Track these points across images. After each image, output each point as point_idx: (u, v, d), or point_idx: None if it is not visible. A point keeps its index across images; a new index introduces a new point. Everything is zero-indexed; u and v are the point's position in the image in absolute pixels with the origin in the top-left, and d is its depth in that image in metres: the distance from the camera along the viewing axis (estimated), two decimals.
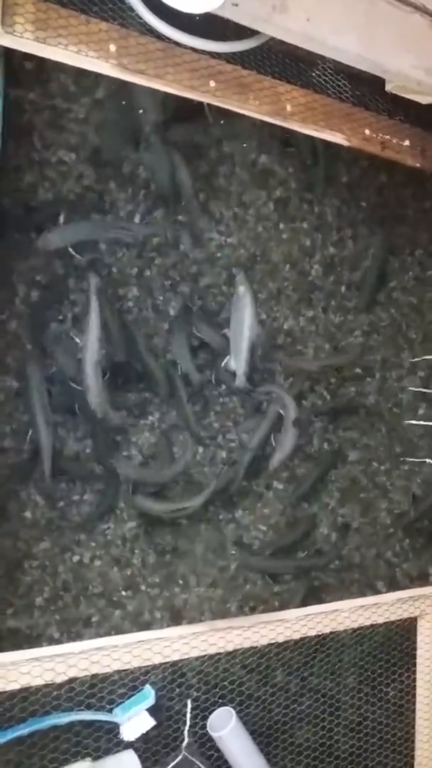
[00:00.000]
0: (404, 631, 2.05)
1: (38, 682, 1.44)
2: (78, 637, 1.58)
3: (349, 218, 2.13)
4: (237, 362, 1.82)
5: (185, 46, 1.60)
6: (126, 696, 1.55)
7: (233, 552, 1.87)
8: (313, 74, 1.92)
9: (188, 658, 1.64)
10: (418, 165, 2.15)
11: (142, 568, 1.72)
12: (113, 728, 1.52)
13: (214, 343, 1.84)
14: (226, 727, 1.63)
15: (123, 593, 1.67)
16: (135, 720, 1.52)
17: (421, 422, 2.23)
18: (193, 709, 1.64)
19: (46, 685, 1.45)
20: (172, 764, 1.56)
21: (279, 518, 1.95)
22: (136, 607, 1.68)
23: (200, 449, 1.85)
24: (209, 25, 1.56)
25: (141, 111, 1.72)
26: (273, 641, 1.78)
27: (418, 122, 2.14)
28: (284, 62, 1.83)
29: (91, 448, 1.71)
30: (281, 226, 2.01)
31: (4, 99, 1.48)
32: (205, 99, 1.66)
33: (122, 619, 1.65)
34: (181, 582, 1.76)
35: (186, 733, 1.62)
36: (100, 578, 1.66)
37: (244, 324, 1.80)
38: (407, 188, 2.24)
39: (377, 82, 1.83)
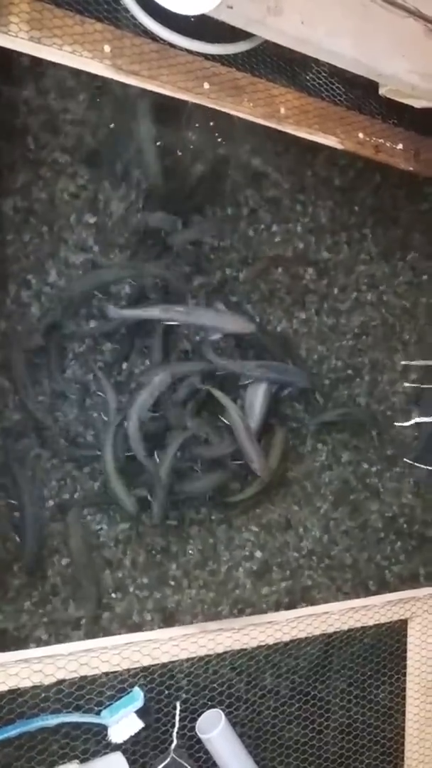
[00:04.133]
0: (394, 634, 2.06)
1: (26, 683, 1.43)
2: (67, 638, 1.57)
3: (342, 221, 2.14)
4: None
5: (180, 48, 1.61)
6: (114, 698, 1.54)
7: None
8: (308, 77, 1.92)
9: (178, 660, 1.64)
10: (411, 168, 2.17)
11: (133, 570, 1.71)
12: (101, 730, 1.52)
13: None
14: (215, 730, 1.62)
15: (113, 595, 1.66)
16: (123, 722, 1.52)
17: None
18: (182, 711, 1.64)
19: (35, 687, 1.45)
20: (161, 766, 1.56)
21: (271, 519, 1.95)
22: (126, 608, 1.67)
23: None
24: (204, 27, 1.56)
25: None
26: (263, 643, 1.78)
27: (411, 126, 2.15)
28: (279, 65, 1.84)
29: None
30: (274, 228, 2.01)
31: None
32: (199, 101, 1.67)
33: (111, 621, 1.64)
34: (172, 584, 1.75)
35: (175, 735, 1.61)
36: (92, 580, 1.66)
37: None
38: (400, 191, 2.25)
39: (371, 86, 1.84)
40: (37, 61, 1.49)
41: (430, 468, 2.21)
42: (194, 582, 1.78)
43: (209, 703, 1.70)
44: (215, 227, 1.86)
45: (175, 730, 1.62)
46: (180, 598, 1.74)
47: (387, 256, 2.24)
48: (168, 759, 1.57)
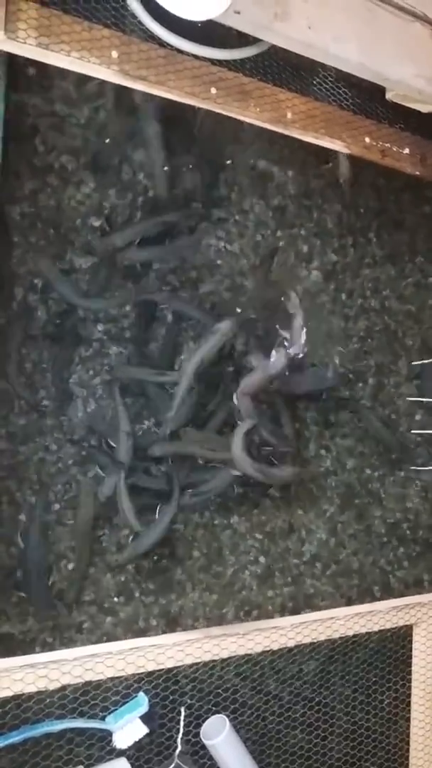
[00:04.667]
0: (399, 639, 2.05)
1: (31, 689, 1.43)
2: (71, 643, 1.57)
3: (348, 225, 2.13)
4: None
5: (187, 53, 1.61)
6: (119, 703, 1.54)
7: None
8: (314, 82, 1.92)
9: (182, 666, 1.64)
10: (417, 173, 2.16)
11: (136, 575, 1.71)
12: (106, 736, 1.52)
13: None
14: (219, 735, 1.62)
15: (116, 599, 1.66)
16: (128, 728, 1.51)
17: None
18: (186, 716, 1.64)
19: (39, 692, 1.44)
20: None
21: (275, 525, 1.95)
22: (130, 613, 1.67)
23: None
24: (211, 33, 1.56)
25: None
26: (267, 648, 1.77)
27: (418, 130, 2.15)
28: (285, 70, 1.83)
29: None
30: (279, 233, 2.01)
31: (6, 104, 1.47)
32: (206, 106, 1.67)
33: (115, 626, 1.64)
34: (176, 588, 1.75)
35: (179, 741, 1.61)
36: (94, 585, 1.65)
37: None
38: (407, 195, 2.25)
39: (378, 91, 1.84)
40: (44, 67, 1.50)
41: None
42: (198, 586, 1.78)
43: (214, 708, 1.70)
44: (174, 252, 1.78)
45: (180, 735, 1.61)
46: (183, 602, 1.74)
47: (393, 259, 2.24)
48: (173, 765, 1.57)
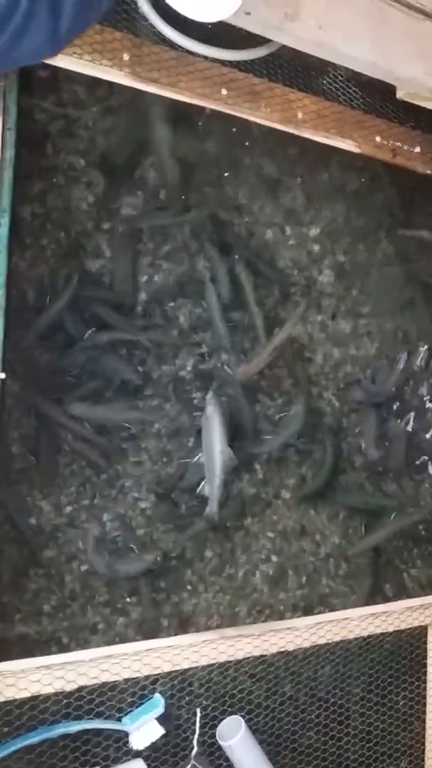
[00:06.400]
0: (414, 640, 2.04)
1: (48, 690, 1.44)
2: (86, 644, 1.57)
3: (359, 225, 2.13)
4: (211, 489, 1.75)
5: (198, 55, 1.61)
6: (135, 704, 1.55)
7: None
8: (324, 82, 1.92)
9: (198, 667, 1.64)
10: (428, 171, 2.16)
11: (150, 574, 1.71)
12: (122, 737, 1.52)
13: None
14: (235, 736, 1.62)
15: (128, 600, 1.66)
16: (144, 729, 1.52)
17: None
18: (202, 717, 1.64)
19: (56, 693, 1.45)
20: None
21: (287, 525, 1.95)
22: (143, 615, 1.67)
23: None
24: (221, 34, 1.57)
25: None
26: (282, 649, 1.77)
27: (428, 129, 2.15)
28: (295, 70, 1.84)
29: None
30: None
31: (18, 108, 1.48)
32: (217, 107, 1.67)
33: (127, 627, 1.64)
34: (189, 588, 1.75)
35: (195, 742, 1.61)
36: (106, 587, 1.66)
37: (214, 449, 1.74)
38: (418, 194, 2.24)
39: (388, 89, 1.83)
40: (56, 71, 1.51)
41: None
42: (211, 587, 1.78)
43: (229, 709, 1.69)
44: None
45: (196, 736, 1.61)
46: (196, 603, 1.74)
47: (403, 259, 2.23)
48: (189, 766, 1.57)
